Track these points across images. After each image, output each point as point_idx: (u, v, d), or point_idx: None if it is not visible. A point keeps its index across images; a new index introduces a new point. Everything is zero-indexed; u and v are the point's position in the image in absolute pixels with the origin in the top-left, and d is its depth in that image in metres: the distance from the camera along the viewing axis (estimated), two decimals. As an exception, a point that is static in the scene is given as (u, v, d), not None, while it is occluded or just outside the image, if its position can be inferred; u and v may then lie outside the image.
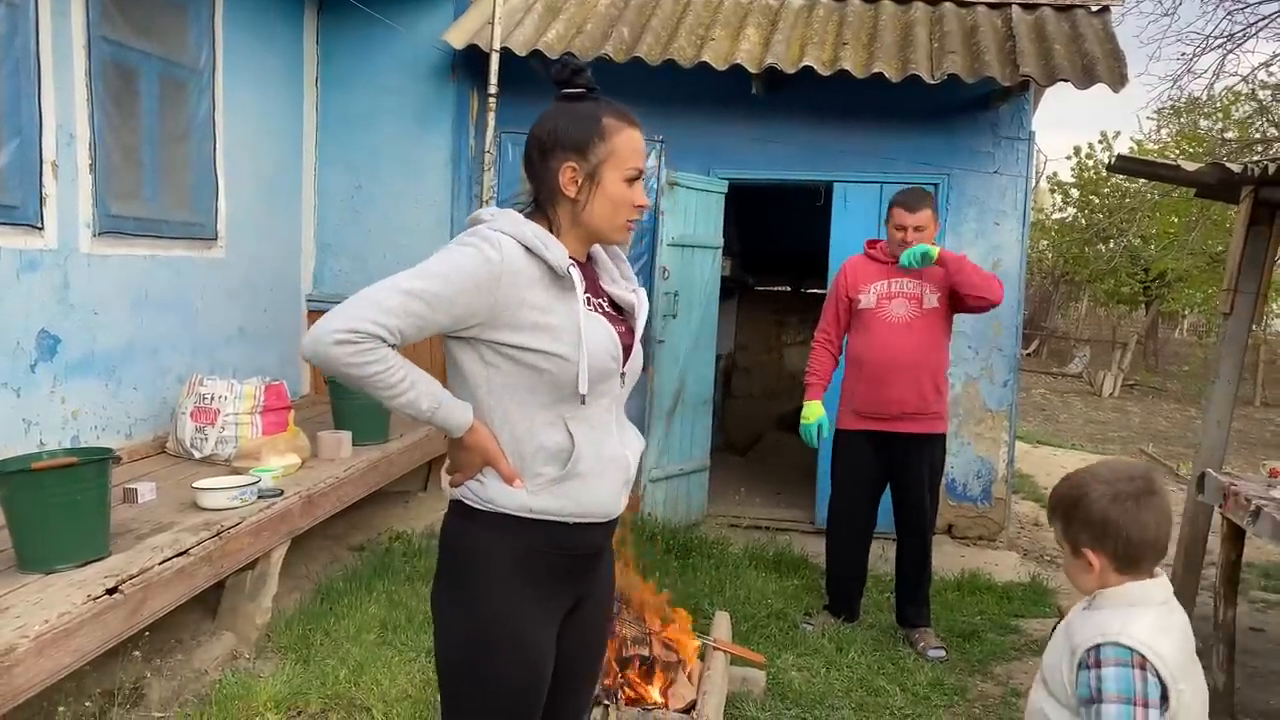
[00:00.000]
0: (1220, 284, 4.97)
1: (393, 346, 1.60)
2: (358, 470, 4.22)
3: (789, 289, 9.55)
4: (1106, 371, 18.10)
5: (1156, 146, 18.13)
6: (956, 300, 3.97)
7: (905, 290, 4.02)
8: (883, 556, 4.64)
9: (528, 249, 1.66)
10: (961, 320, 5.14)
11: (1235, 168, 4.12)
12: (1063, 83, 5.04)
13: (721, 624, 3.48)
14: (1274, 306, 20.88)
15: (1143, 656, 1.61)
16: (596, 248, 1.85)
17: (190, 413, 4.16)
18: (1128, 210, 18.51)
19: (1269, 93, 13.01)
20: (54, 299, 3.83)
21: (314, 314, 5.73)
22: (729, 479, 6.61)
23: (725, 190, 5.78)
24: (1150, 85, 50.32)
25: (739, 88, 5.41)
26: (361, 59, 5.76)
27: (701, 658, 3.17)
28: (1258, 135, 13.38)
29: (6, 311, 3.60)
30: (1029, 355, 22.03)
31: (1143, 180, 14.93)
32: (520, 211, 1.75)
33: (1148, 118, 38.11)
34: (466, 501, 1.73)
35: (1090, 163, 21.39)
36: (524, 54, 5.41)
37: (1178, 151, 16.09)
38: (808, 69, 5.16)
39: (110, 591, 2.66)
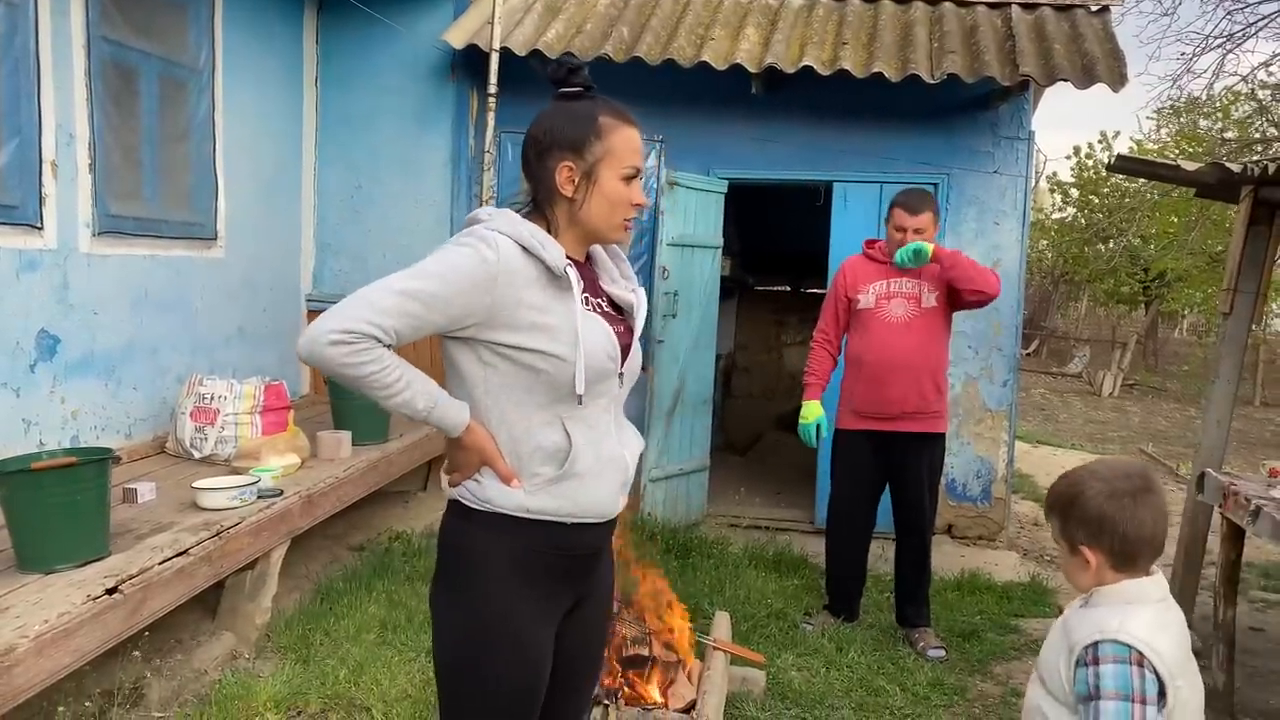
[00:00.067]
0: (1220, 284, 4.97)
1: (388, 346, 1.60)
2: (357, 470, 4.22)
3: (789, 289, 9.56)
4: (1106, 371, 18.10)
5: (1156, 146, 18.13)
6: (954, 297, 3.97)
7: (904, 290, 4.01)
8: (882, 556, 4.64)
9: (525, 249, 1.66)
10: (961, 320, 5.14)
11: (1235, 167, 4.12)
12: (1062, 82, 5.05)
13: (721, 624, 3.48)
14: (1274, 306, 20.87)
15: (1141, 653, 1.61)
16: (597, 247, 1.85)
17: (190, 413, 4.16)
18: (1127, 210, 18.51)
19: (1268, 92, 13.01)
20: (53, 299, 3.83)
21: (313, 314, 5.73)
22: (729, 479, 6.61)
23: (725, 190, 5.78)
24: (1150, 85, 50.36)
25: (739, 87, 5.41)
26: (361, 59, 5.76)
27: (701, 657, 3.17)
28: (1257, 135, 13.38)
29: (6, 311, 3.60)
30: (1029, 355, 22.03)
31: (1142, 180, 14.93)
32: (518, 211, 1.75)
33: (1147, 117, 38.14)
34: (464, 501, 1.73)
35: (1090, 162, 21.39)
36: (524, 54, 5.42)
37: (1177, 151, 16.10)
38: (807, 69, 5.16)
39: (110, 591, 2.66)
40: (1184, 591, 4.41)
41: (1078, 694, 1.66)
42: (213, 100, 4.81)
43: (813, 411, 4.10)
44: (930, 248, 3.88)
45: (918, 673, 3.81)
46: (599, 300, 1.79)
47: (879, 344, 3.99)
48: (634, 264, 4.69)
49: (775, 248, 8.84)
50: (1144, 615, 1.67)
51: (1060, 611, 2.22)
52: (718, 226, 5.80)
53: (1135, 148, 17.86)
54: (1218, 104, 14.49)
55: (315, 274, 5.89)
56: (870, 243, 4.19)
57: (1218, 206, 12.37)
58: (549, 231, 1.73)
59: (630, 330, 1.82)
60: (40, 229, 3.74)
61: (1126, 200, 19.06)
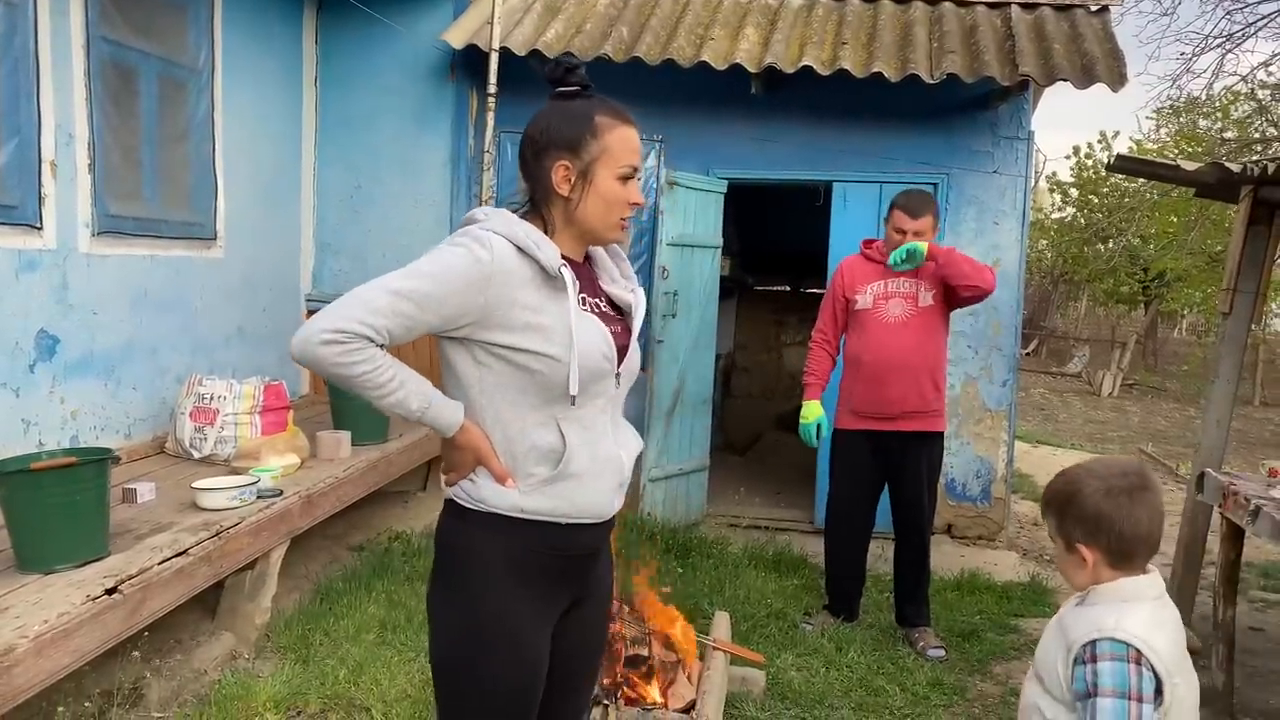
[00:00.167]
0: (1219, 283, 4.98)
1: (381, 346, 1.60)
2: (357, 470, 4.22)
3: (788, 289, 9.56)
4: (1106, 371, 18.11)
5: (1156, 146, 18.13)
6: (951, 294, 3.97)
7: (901, 290, 4.01)
8: (882, 556, 4.64)
9: (519, 249, 1.65)
10: (961, 320, 5.14)
11: (1234, 167, 4.12)
12: (1062, 82, 5.05)
13: (721, 624, 3.48)
14: (1273, 306, 20.86)
15: (1138, 651, 1.62)
16: (597, 246, 1.85)
17: (189, 413, 4.16)
18: (1127, 210, 18.51)
19: (1268, 92, 13.01)
20: (53, 299, 3.83)
21: (313, 314, 5.72)
22: (728, 479, 6.61)
23: (724, 190, 5.78)
24: (1149, 85, 50.28)
25: (738, 87, 5.41)
26: (361, 59, 5.76)
27: (701, 657, 3.17)
28: (1257, 135, 13.38)
29: (5, 311, 3.60)
30: (1028, 355, 22.04)
31: (1142, 180, 14.92)
32: (515, 211, 1.74)
33: (1147, 117, 38.11)
34: (459, 501, 1.73)
35: (1089, 162, 21.40)
36: (523, 54, 5.42)
37: (1177, 151, 16.09)
38: (807, 69, 5.16)
39: (109, 592, 2.66)
40: (1183, 591, 4.41)
41: (1075, 692, 1.66)
42: (212, 100, 4.81)
43: (813, 411, 4.10)
44: (924, 247, 3.88)
45: (917, 672, 3.81)
46: (596, 300, 1.78)
47: (877, 344, 3.99)
48: (633, 264, 4.69)
49: (775, 248, 8.84)
50: (1141, 613, 1.67)
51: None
52: (717, 226, 5.80)
53: (1135, 147, 17.86)
54: (1217, 104, 14.48)
55: (315, 274, 5.89)
56: (868, 243, 4.19)
57: (1217, 206, 12.37)
58: (546, 231, 1.72)
59: (628, 330, 1.81)
60: (40, 229, 3.74)
61: (1126, 200, 19.06)
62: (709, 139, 5.74)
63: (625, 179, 1.72)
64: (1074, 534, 1.74)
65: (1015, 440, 5.99)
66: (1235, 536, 3.83)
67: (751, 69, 5.23)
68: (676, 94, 5.55)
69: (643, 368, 1.92)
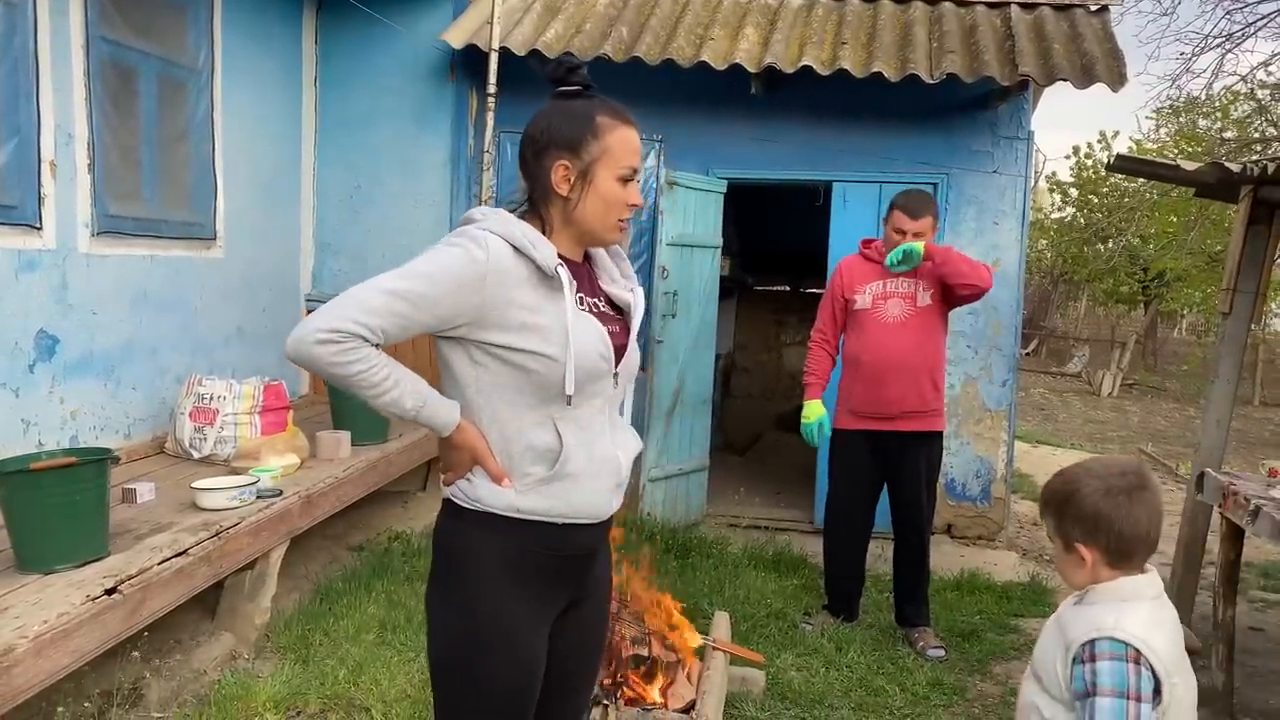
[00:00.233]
0: (1219, 283, 4.98)
1: (376, 346, 1.60)
2: (357, 470, 4.22)
3: (788, 288, 9.56)
4: (1105, 371, 18.11)
5: (1155, 146, 18.13)
6: (948, 293, 3.97)
7: (900, 290, 4.02)
8: (881, 556, 4.64)
9: (516, 248, 1.65)
10: (960, 320, 5.14)
11: (1234, 167, 4.12)
12: (1062, 82, 5.05)
13: (721, 624, 3.48)
14: (1273, 306, 20.86)
15: (1137, 651, 1.62)
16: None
17: (189, 413, 4.16)
18: (1127, 210, 18.51)
19: (1268, 92, 13.01)
20: (52, 299, 3.83)
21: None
22: (728, 479, 6.61)
23: (724, 190, 5.78)
24: (1149, 85, 50.31)
25: (738, 87, 5.41)
26: (360, 59, 5.76)
27: (701, 657, 3.17)
28: (1256, 135, 13.38)
29: (5, 312, 3.60)
30: (1028, 355, 22.04)
31: (1142, 180, 14.92)
32: (514, 211, 1.74)
33: (1146, 117, 38.10)
34: (456, 501, 1.73)
35: (1089, 162, 21.40)
36: (523, 53, 5.42)
37: (1176, 151, 16.10)
38: (807, 68, 5.16)
39: (109, 592, 2.66)
40: (1183, 591, 4.41)
41: (1074, 691, 1.66)
42: (212, 100, 4.81)
43: (814, 411, 4.10)
44: (921, 247, 3.88)
45: (917, 672, 3.81)
46: (595, 300, 1.78)
47: (876, 344, 3.99)
48: (633, 264, 4.69)
49: (774, 248, 8.85)
50: (1139, 612, 1.67)
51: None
52: (717, 226, 5.80)
53: (1134, 147, 17.86)
54: (1217, 104, 14.48)
55: (314, 274, 5.89)
56: (866, 242, 4.19)
57: (1217, 206, 12.37)
58: (544, 231, 1.72)
59: (626, 330, 1.81)
60: (39, 229, 3.74)
61: (1126, 200, 19.06)
62: (709, 139, 5.74)
63: (625, 180, 1.72)
64: (1073, 533, 1.74)
65: (1015, 440, 5.99)
66: (1235, 536, 3.83)
67: (751, 69, 5.23)
68: (676, 94, 5.55)
69: (642, 368, 1.92)
